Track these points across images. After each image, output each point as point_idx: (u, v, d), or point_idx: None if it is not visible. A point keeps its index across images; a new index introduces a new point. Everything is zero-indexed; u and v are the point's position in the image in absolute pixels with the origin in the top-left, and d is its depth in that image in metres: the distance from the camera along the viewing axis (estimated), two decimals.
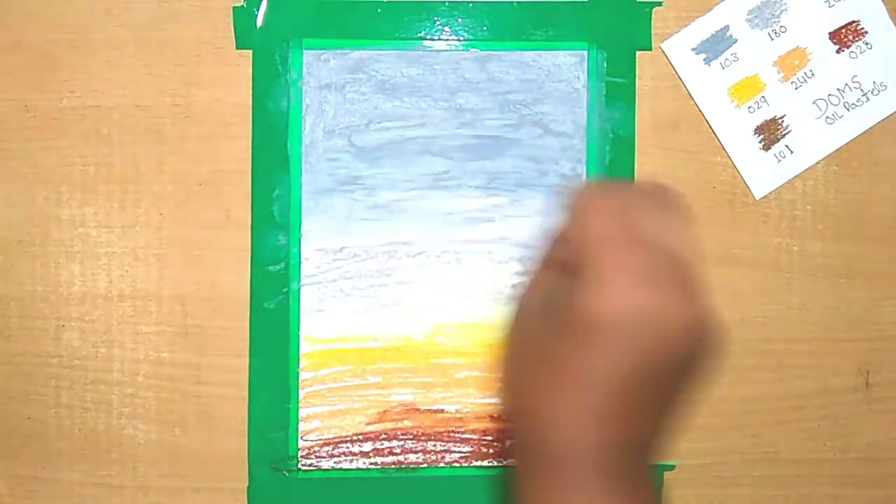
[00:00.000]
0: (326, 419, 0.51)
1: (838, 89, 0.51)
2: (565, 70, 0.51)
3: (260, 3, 0.50)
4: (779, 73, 0.51)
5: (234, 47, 0.50)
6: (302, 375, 0.50)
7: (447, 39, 0.51)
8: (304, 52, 0.50)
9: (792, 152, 0.51)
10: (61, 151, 0.50)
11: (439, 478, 0.51)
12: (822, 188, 0.52)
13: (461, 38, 0.51)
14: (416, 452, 0.51)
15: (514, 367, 0.35)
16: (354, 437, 0.51)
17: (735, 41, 0.51)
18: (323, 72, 0.50)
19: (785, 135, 0.51)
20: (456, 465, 0.51)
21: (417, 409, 0.51)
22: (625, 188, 0.37)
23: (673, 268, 0.33)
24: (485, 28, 0.51)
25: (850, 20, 0.51)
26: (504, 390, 0.35)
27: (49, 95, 0.50)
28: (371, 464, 0.51)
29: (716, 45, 0.51)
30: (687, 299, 0.32)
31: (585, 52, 0.51)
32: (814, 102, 0.51)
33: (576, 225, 0.34)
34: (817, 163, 0.52)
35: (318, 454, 0.51)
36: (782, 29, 0.51)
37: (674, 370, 0.33)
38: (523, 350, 0.35)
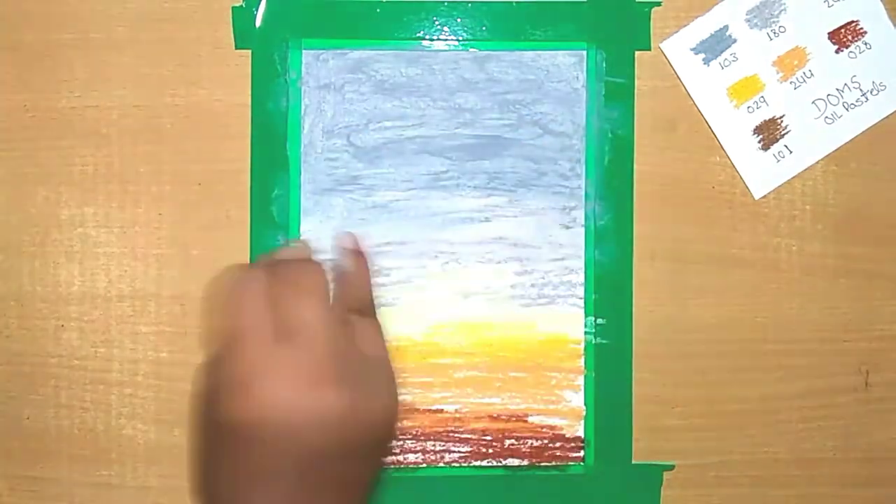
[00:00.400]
0: None
1: (837, 89, 0.51)
2: (564, 70, 0.51)
3: (259, 4, 0.50)
4: (778, 73, 0.51)
5: (234, 47, 0.50)
6: None
7: (446, 39, 0.51)
8: (304, 52, 0.50)
9: (791, 152, 0.51)
10: (61, 151, 0.50)
11: (438, 478, 0.51)
12: (822, 188, 0.52)
13: (460, 38, 0.51)
14: (414, 452, 0.51)
15: (194, 463, 0.36)
16: None
17: (734, 41, 0.51)
18: (322, 72, 0.51)
19: (784, 135, 0.51)
20: (455, 464, 0.51)
21: (416, 409, 0.51)
22: (284, 269, 0.38)
23: (314, 359, 0.34)
24: (484, 28, 0.51)
25: (850, 20, 0.51)
26: (194, 487, 0.36)
27: (48, 95, 0.50)
28: None
29: (715, 45, 0.51)
30: (326, 391, 0.34)
31: (584, 52, 0.51)
32: (813, 102, 0.51)
33: (225, 311, 0.36)
34: (816, 163, 0.52)
35: None
36: (781, 29, 0.51)
37: (335, 456, 0.34)
38: (197, 447, 0.36)
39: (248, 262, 0.50)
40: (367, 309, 0.41)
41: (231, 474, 0.34)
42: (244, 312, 0.35)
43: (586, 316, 0.51)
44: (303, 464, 0.34)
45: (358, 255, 0.43)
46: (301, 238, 0.44)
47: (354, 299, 0.41)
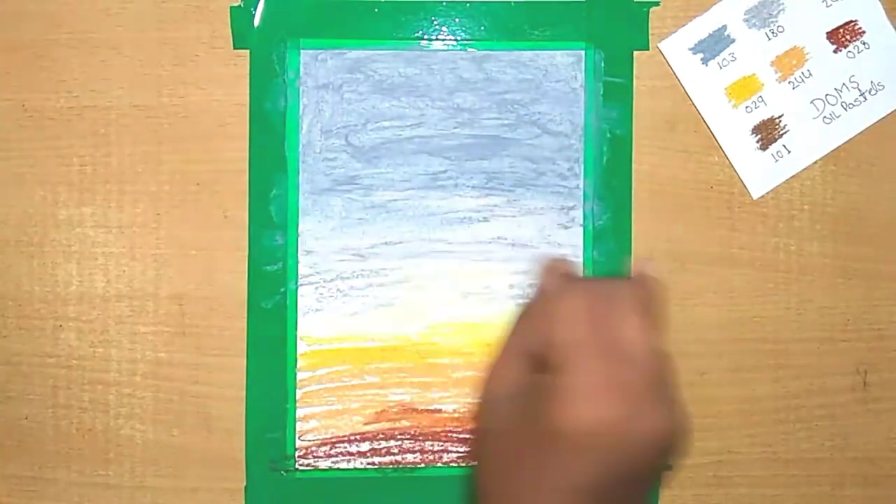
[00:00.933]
0: (324, 419, 0.51)
1: (836, 89, 0.51)
2: (563, 70, 0.51)
3: (257, 4, 0.50)
4: (776, 72, 0.51)
5: (232, 47, 0.50)
6: (299, 375, 0.50)
7: (444, 39, 0.51)
8: (302, 52, 0.50)
9: (789, 152, 0.51)
10: (59, 151, 0.50)
11: (437, 478, 0.51)
12: (820, 188, 0.52)
13: (458, 38, 0.51)
14: (413, 452, 0.51)
15: (489, 465, 0.36)
16: (352, 437, 0.51)
17: (732, 41, 0.51)
18: (320, 72, 0.50)
19: (782, 134, 0.51)
20: (453, 464, 0.51)
21: (415, 409, 0.51)
22: (602, 286, 0.38)
23: (643, 379, 0.34)
24: (482, 28, 0.51)
25: (848, 20, 0.51)
26: (480, 487, 0.36)
27: (47, 95, 0.50)
28: (369, 464, 0.51)
29: (713, 45, 0.51)
30: (654, 411, 0.34)
31: (583, 52, 0.51)
32: (811, 102, 0.51)
33: (548, 324, 0.35)
34: (815, 162, 0.52)
35: (315, 454, 0.51)
36: (780, 29, 0.51)
37: (641, 476, 0.34)
38: (497, 449, 0.36)
39: (246, 262, 0.50)
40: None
41: (535, 481, 0.34)
42: (580, 325, 0.35)
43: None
44: (609, 483, 0.34)
45: (656, 282, 0.42)
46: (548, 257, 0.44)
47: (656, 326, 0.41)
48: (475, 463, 0.37)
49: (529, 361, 0.36)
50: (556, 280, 0.38)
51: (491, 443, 0.36)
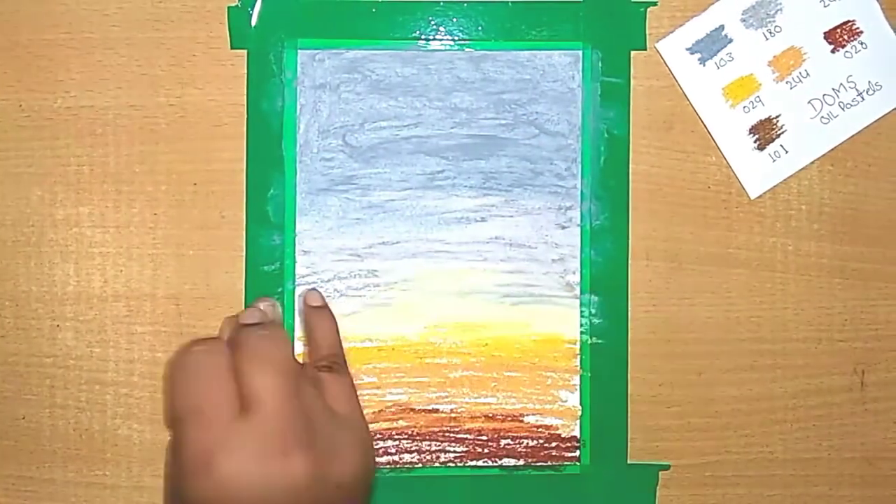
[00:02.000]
0: None
1: (833, 89, 0.51)
2: (560, 70, 0.51)
3: (254, 3, 0.50)
4: (774, 72, 0.51)
5: (229, 47, 0.50)
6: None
7: (442, 39, 0.51)
8: (299, 52, 0.50)
9: (787, 152, 0.51)
10: (56, 151, 0.50)
11: (434, 478, 0.51)
12: (818, 188, 0.52)
13: (456, 38, 0.51)
14: (410, 452, 0.51)
15: None
16: None
17: (730, 41, 0.51)
18: (317, 72, 0.50)
19: (780, 135, 0.51)
20: (451, 465, 0.51)
21: (412, 409, 0.51)
22: (223, 348, 0.37)
23: (269, 429, 0.34)
24: (479, 28, 0.51)
25: (845, 20, 0.51)
26: None
27: (44, 95, 0.50)
28: None
29: (710, 45, 0.51)
30: (284, 458, 0.34)
31: (580, 52, 0.51)
32: (809, 102, 0.51)
33: (180, 396, 0.36)
34: (812, 163, 0.52)
35: None
36: (777, 29, 0.51)
37: None
38: None
39: (243, 262, 0.50)
40: (336, 365, 0.42)
41: None
42: (201, 388, 0.35)
43: (582, 316, 0.51)
44: None
45: (322, 310, 0.44)
46: (267, 298, 0.45)
47: (322, 357, 0.42)
48: None
49: (173, 434, 0.36)
50: (199, 341, 0.38)
51: None
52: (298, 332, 0.50)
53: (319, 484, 0.35)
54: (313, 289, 0.48)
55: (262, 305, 0.42)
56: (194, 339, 0.38)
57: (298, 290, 0.50)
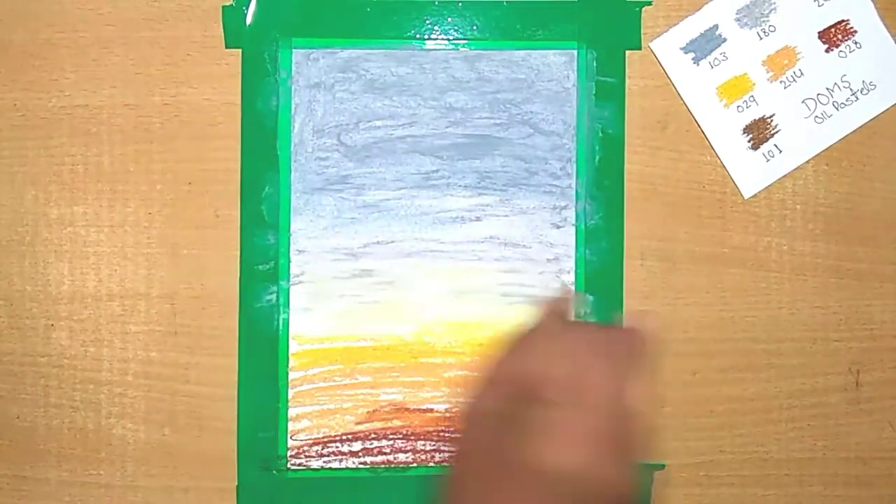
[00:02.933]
0: (316, 418, 0.50)
1: (827, 88, 0.51)
2: (555, 69, 0.51)
3: (249, 3, 0.50)
4: (767, 72, 0.51)
5: (224, 46, 0.50)
6: (291, 375, 0.50)
7: (437, 39, 0.51)
8: (294, 51, 0.50)
9: (781, 151, 0.51)
10: (50, 151, 0.50)
11: (429, 477, 0.51)
12: (812, 187, 0.52)
13: (451, 38, 0.51)
14: (405, 452, 0.51)
15: (462, 484, 0.37)
16: (344, 437, 0.51)
17: (724, 40, 0.51)
18: (312, 71, 0.50)
19: (774, 134, 0.51)
20: (445, 464, 0.51)
21: (407, 409, 0.51)
22: (595, 334, 0.39)
23: (614, 429, 0.35)
24: (474, 27, 0.51)
25: (840, 19, 0.51)
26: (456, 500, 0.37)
27: (38, 95, 0.50)
28: (360, 463, 0.51)
29: (705, 45, 0.51)
30: (618, 462, 0.35)
31: (575, 52, 0.51)
32: (803, 102, 0.51)
33: (538, 359, 0.37)
34: (806, 162, 0.52)
35: (307, 454, 0.50)
36: (771, 28, 0.51)
37: None
38: (471, 471, 0.37)
39: (238, 261, 0.50)
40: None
41: None
42: (567, 367, 0.36)
43: (577, 315, 0.51)
44: None
45: (649, 337, 0.43)
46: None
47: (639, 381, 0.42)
48: (449, 480, 0.37)
49: (513, 391, 0.37)
50: (554, 319, 0.39)
51: (466, 464, 0.37)
52: (293, 330, 0.50)
53: (618, 494, 0.36)
54: (649, 313, 0.46)
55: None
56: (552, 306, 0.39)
57: (293, 290, 0.50)
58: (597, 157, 0.51)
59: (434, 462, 0.51)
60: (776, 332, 0.52)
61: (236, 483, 0.50)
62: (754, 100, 0.51)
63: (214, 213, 0.50)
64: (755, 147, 0.51)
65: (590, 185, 0.51)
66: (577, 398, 0.35)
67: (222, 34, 0.50)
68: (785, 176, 0.52)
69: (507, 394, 0.37)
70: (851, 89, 0.51)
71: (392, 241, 0.51)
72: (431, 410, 0.51)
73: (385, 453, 0.51)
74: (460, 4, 0.51)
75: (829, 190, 0.52)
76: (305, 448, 0.50)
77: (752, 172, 0.51)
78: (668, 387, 0.51)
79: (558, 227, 0.51)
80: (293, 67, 0.50)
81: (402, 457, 0.51)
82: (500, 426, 0.36)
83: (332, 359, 0.51)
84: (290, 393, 0.50)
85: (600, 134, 0.51)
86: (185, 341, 0.50)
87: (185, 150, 0.50)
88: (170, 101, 0.50)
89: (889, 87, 0.51)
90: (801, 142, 0.51)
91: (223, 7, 0.50)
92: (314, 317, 0.50)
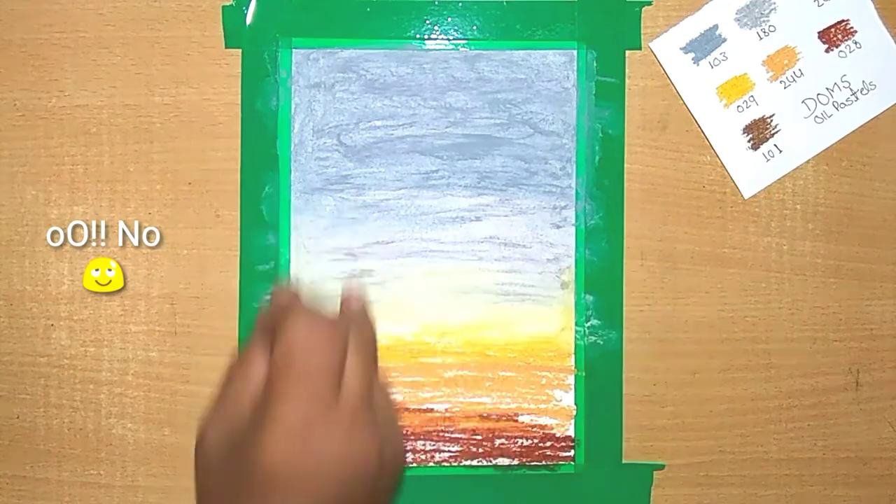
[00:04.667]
0: None
1: (827, 88, 0.51)
2: (555, 69, 0.51)
3: (249, 3, 0.50)
4: (767, 72, 0.51)
5: (224, 46, 0.50)
6: None
7: (437, 38, 0.51)
8: (294, 51, 0.50)
9: (781, 151, 0.51)
10: (50, 150, 0.50)
11: (429, 477, 0.51)
12: (812, 187, 0.52)
13: (451, 38, 0.51)
14: (405, 452, 0.51)
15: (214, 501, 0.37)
16: None
17: (724, 40, 0.51)
18: (312, 71, 0.50)
19: (774, 134, 0.51)
20: (445, 464, 0.51)
21: (406, 409, 0.51)
22: (323, 320, 0.38)
23: (351, 414, 0.36)
24: (474, 27, 0.51)
25: (840, 19, 0.51)
26: None
27: (38, 94, 0.50)
28: None
29: (704, 45, 0.51)
30: (349, 443, 0.35)
31: (575, 52, 0.51)
32: (803, 102, 0.51)
33: (272, 358, 0.37)
34: (806, 162, 0.52)
35: None
36: (771, 28, 0.51)
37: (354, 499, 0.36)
38: (209, 490, 0.37)
39: (238, 261, 0.50)
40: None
41: None
42: (301, 363, 0.36)
43: (577, 315, 0.51)
44: None
45: (368, 309, 0.44)
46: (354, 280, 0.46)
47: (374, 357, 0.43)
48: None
49: (255, 393, 0.37)
50: (284, 309, 0.38)
51: (204, 481, 0.37)
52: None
53: (377, 469, 0.36)
54: (351, 286, 0.45)
55: (351, 289, 0.43)
56: (304, 310, 0.38)
57: None
58: (597, 157, 0.51)
59: (434, 462, 0.51)
60: (776, 332, 0.52)
61: None
62: (754, 100, 0.51)
63: (214, 213, 0.50)
64: (755, 147, 0.51)
65: (590, 185, 0.51)
66: (306, 386, 0.35)
67: (222, 34, 0.50)
68: (785, 176, 0.52)
69: (245, 400, 0.37)
70: (851, 89, 0.51)
71: (392, 241, 0.51)
72: (431, 410, 0.51)
73: None
74: (460, 4, 0.51)
75: (829, 190, 0.52)
76: None
77: (752, 172, 0.51)
78: (667, 387, 0.52)
79: (558, 227, 0.51)
80: (293, 67, 0.50)
81: None
82: (237, 434, 0.36)
83: None
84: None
85: (600, 134, 0.51)
86: (185, 341, 0.50)
87: (185, 150, 0.50)
88: (170, 101, 0.50)
89: (889, 87, 0.51)
90: (801, 142, 0.51)
91: (223, 7, 0.50)
92: None
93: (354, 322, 0.39)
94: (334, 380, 0.36)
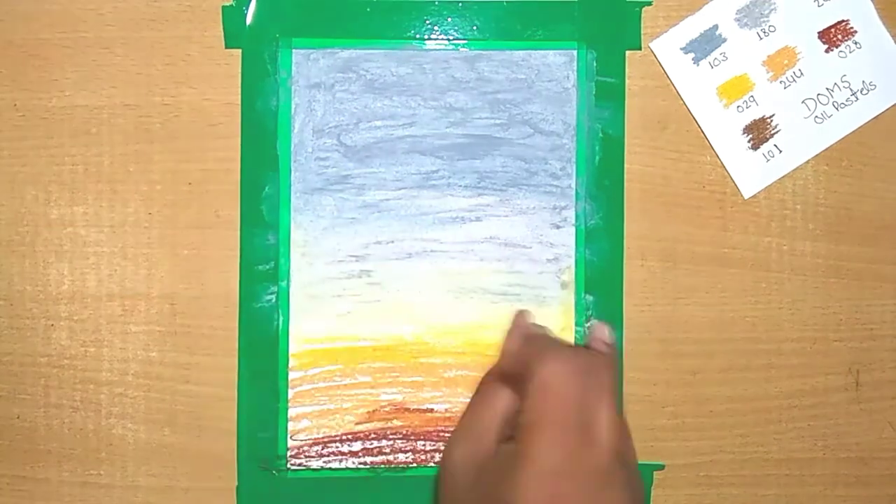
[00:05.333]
0: (316, 419, 0.50)
1: (827, 88, 0.51)
2: (555, 69, 0.51)
3: (249, 3, 0.50)
4: (768, 72, 0.51)
5: (224, 46, 0.50)
6: (291, 375, 0.50)
7: (437, 39, 0.51)
8: (294, 51, 0.50)
9: (781, 151, 0.51)
10: (50, 151, 0.50)
11: (429, 477, 0.51)
12: (812, 187, 0.52)
13: (451, 38, 0.51)
14: (405, 452, 0.51)
15: None
16: (344, 437, 0.51)
17: (724, 41, 0.51)
18: (312, 71, 0.50)
19: (774, 134, 0.51)
20: None
21: (407, 409, 0.51)
22: (580, 359, 0.38)
23: (606, 462, 0.35)
24: (474, 27, 0.51)
25: (840, 19, 0.51)
26: None
27: (38, 94, 0.50)
28: (360, 463, 0.51)
29: (704, 45, 0.51)
30: (613, 495, 0.35)
31: (575, 52, 0.51)
32: (803, 102, 0.51)
33: (525, 390, 0.36)
34: (807, 162, 0.52)
35: (307, 454, 0.50)
36: (771, 28, 0.51)
37: None
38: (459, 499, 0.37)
39: (237, 261, 0.50)
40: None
41: None
42: (555, 400, 0.36)
43: (577, 315, 0.51)
44: None
45: (615, 352, 0.43)
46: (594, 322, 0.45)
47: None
48: None
49: (500, 425, 0.36)
50: (536, 345, 0.38)
51: (451, 499, 0.37)
52: (293, 330, 0.50)
53: None
54: (603, 323, 0.45)
55: (607, 332, 0.43)
56: (540, 335, 0.39)
57: (293, 290, 0.50)
58: (597, 157, 0.51)
59: (434, 462, 0.51)
60: (776, 332, 0.52)
61: (236, 483, 0.50)
62: (754, 100, 0.51)
63: (214, 213, 0.50)
64: (755, 147, 0.51)
65: (590, 185, 0.51)
66: (565, 431, 0.35)
67: (222, 34, 0.50)
68: (785, 176, 0.52)
69: (494, 433, 0.37)
70: (851, 89, 0.51)
71: (392, 241, 0.51)
72: (431, 410, 0.51)
73: (385, 453, 0.51)
74: (460, 4, 0.51)
75: (829, 190, 0.52)
76: (305, 448, 0.50)
77: (752, 172, 0.51)
78: (667, 387, 0.52)
79: (558, 228, 0.51)
80: (293, 67, 0.50)
81: (402, 457, 0.51)
82: (488, 468, 0.36)
83: (331, 359, 0.51)
84: (290, 393, 0.50)
85: (600, 134, 0.51)
86: (185, 341, 0.50)
87: (185, 151, 0.50)
88: (170, 101, 0.50)
89: (889, 87, 0.51)
90: (801, 142, 0.51)
91: (223, 7, 0.50)
92: (314, 317, 0.50)
93: (604, 365, 0.38)
94: (588, 424, 0.36)
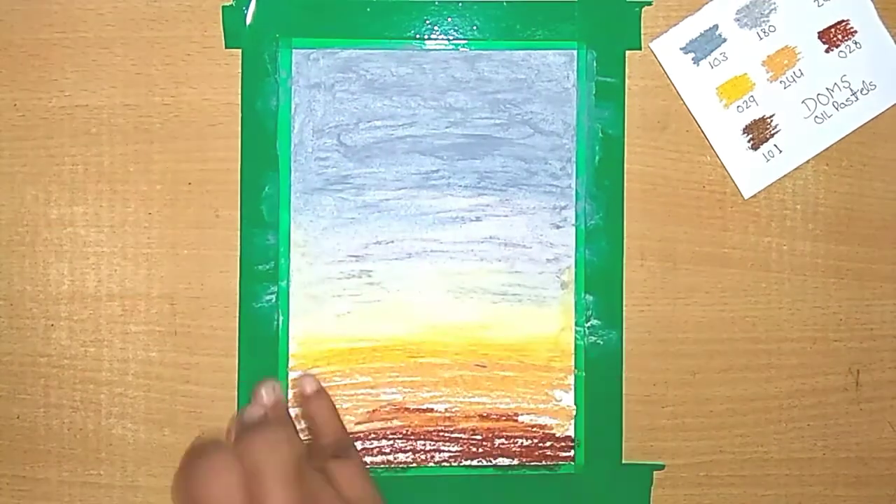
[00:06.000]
0: None
1: (827, 89, 0.51)
2: (555, 69, 0.51)
3: (249, 3, 0.50)
4: (767, 72, 0.51)
5: (224, 46, 0.50)
6: (291, 375, 0.50)
7: (437, 39, 0.51)
8: (294, 51, 0.50)
9: (781, 152, 0.51)
10: (50, 151, 0.50)
11: (428, 477, 0.51)
12: (812, 187, 0.52)
13: (451, 38, 0.51)
14: (405, 452, 0.51)
15: None
16: None
17: (724, 41, 0.51)
18: (312, 71, 0.50)
19: (774, 134, 0.51)
20: (445, 464, 0.51)
21: (406, 409, 0.51)
22: (246, 454, 0.36)
23: None
24: (474, 27, 0.51)
25: (840, 20, 0.51)
26: None
27: (38, 95, 0.50)
28: None
29: (704, 45, 0.51)
30: None
31: (575, 52, 0.51)
32: (803, 102, 0.51)
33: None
34: (806, 162, 0.52)
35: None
36: (771, 28, 0.51)
37: None
38: None
39: (237, 261, 0.50)
40: (343, 450, 0.42)
41: None
42: None
43: (577, 315, 0.51)
44: None
45: (319, 396, 0.43)
46: (266, 381, 0.43)
47: (328, 445, 0.42)
48: None
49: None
50: (206, 448, 0.36)
51: None
52: (292, 330, 0.50)
53: None
54: (306, 374, 0.44)
55: (263, 394, 0.42)
56: (200, 446, 0.37)
57: (292, 290, 0.50)
58: (597, 157, 0.51)
59: (434, 462, 0.51)
60: (776, 332, 0.52)
61: None
62: (754, 100, 0.51)
63: (214, 213, 0.50)
64: (755, 147, 0.51)
65: (590, 185, 0.51)
66: None
67: (222, 34, 0.50)
68: (785, 176, 0.52)
69: None
70: (851, 89, 0.51)
71: (392, 241, 0.51)
72: (431, 410, 0.51)
73: (385, 453, 0.51)
74: (460, 4, 0.51)
75: (829, 190, 0.52)
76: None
77: (752, 172, 0.51)
78: (667, 387, 0.52)
79: (558, 227, 0.51)
80: (293, 67, 0.50)
81: (401, 457, 0.51)
82: None
83: (331, 359, 0.51)
84: (290, 393, 0.50)
85: (600, 134, 0.51)
86: (185, 341, 0.50)
87: (185, 151, 0.50)
88: (170, 101, 0.50)
89: (889, 87, 0.51)
90: (801, 142, 0.51)
91: (223, 7, 0.50)
92: (314, 317, 0.50)
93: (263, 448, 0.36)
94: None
